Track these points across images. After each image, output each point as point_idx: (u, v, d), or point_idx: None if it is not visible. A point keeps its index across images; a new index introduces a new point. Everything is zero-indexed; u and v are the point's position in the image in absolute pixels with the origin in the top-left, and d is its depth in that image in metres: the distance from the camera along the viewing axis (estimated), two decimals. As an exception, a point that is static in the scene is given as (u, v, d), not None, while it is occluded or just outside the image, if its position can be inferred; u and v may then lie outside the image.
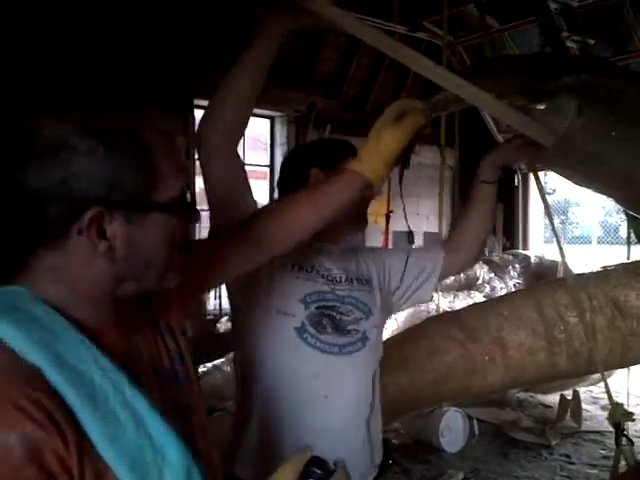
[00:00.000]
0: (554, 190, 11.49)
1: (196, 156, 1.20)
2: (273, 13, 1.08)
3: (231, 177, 1.17)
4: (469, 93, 1.13)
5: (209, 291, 1.13)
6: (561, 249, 1.80)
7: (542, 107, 1.46)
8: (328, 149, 1.38)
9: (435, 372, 2.27)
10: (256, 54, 1.10)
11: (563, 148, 1.22)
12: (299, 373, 1.24)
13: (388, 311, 1.46)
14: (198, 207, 0.80)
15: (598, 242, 12.20)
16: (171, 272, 0.74)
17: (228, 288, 1.33)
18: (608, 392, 1.76)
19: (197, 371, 0.85)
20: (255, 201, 1.25)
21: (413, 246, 1.53)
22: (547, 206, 1.65)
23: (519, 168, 6.96)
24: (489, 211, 1.43)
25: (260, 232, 1.01)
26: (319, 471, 0.65)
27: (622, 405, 1.73)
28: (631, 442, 1.69)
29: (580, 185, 1.46)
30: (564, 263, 1.80)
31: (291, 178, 1.39)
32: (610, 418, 1.72)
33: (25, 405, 0.59)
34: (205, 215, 1.02)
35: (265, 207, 1.08)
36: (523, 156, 1.39)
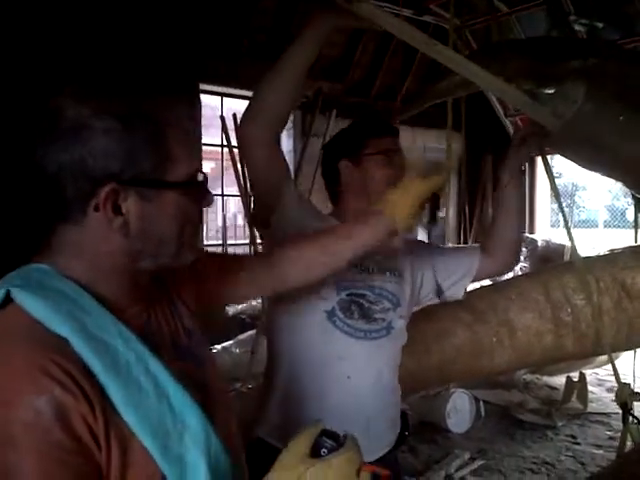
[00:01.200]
0: (560, 174, 11.44)
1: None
2: (321, 10, 1.13)
3: (271, 166, 1.22)
4: (479, 76, 1.15)
5: (217, 307, 1.19)
6: (569, 231, 1.82)
7: (550, 91, 1.47)
8: (351, 137, 1.41)
9: (442, 353, 2.30)
10: (303, 47, 1.15)
11: (571, 132, 1.23)
12: (325, 354, 1.30)
13: (416, 303, 1.50)
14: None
15: (605, 226, 12.16)
16: (184, 249, 0.77)
17: None
18: (615, 373, 1.78)
19: (210, 347, 0.89)
20: (296, 187, 1.32)
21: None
22: (556, 189, 1.67)
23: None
24: (518, 217, 1.45)
25: (279, 266, 1.08)
26: (330, 442, 0.69)
27: (629, 385, 1.75)
28: (638, 421, 1.72)
29: (587, 169, 1.47)
30: (572, 245, 1.82)
31: (327, 175, 1.45)
32: (617, 398, 1.75)
33: (53, 371, 0.62)
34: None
35: (291, 242, 1.13)
36: (533, 146, 1.40)
